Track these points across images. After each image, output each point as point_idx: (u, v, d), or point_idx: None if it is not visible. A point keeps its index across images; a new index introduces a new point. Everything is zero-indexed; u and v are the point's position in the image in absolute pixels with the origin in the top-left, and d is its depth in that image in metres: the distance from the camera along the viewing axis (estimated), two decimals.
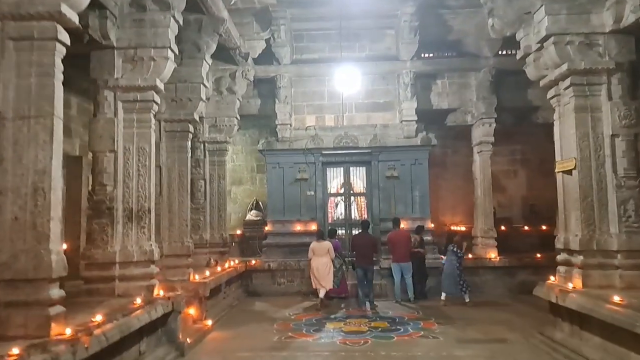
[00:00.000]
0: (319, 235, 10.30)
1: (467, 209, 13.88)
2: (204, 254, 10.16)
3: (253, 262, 11.30)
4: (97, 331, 4.21)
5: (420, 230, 10.70)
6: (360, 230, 10.39)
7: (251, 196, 14.03)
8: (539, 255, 11.22)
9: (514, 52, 8.83)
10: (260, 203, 13.64)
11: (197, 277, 7.86)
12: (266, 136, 11.91)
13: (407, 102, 11.58)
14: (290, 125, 11.83)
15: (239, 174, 14.35)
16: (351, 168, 12.02)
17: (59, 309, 4.08)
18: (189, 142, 7.89)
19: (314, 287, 10.22)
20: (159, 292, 6.08)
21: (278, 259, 11.35)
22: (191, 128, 7.91)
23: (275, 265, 11.23)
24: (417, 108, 11.65)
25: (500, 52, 11.51)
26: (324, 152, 11.68)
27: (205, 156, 10.45)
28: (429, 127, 11.98)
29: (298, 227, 11.60)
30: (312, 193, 11.74)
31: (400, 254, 10.15)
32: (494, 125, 11.54)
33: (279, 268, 11.22)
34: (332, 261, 10.02)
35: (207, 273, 8.55)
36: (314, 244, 10.16)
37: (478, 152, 11.99)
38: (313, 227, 11.61)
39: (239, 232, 13.21)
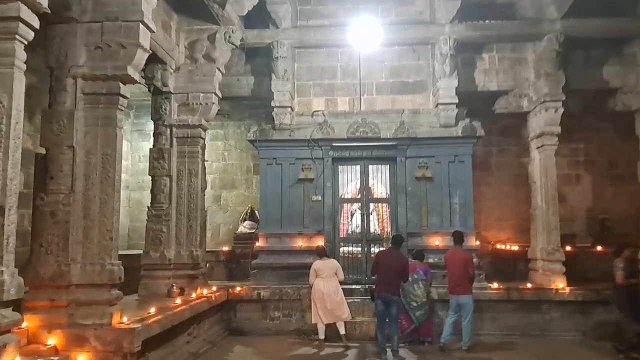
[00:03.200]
0: (321, 252, 7.65)
1: (517, 222, 11.00)
2: (166, 279, 7.43)
3: (238, 289, 8.49)
4: None
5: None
6: (390, 246, 7.54)
7: (245, 203, 11.28)
8: None
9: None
10: (256, 212, 10.84)
11: (125, 318, 5.06)
12: (260, 122, 9.14)
13: (446, 79, 8.74)
14: (292, 110, 9.09)
15: (231, 176, 11.63)
16: (370, 166, 9.19)
17: None
18: (119, 112, 5.17)
19: (313, 320, 7.48)
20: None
21: (272, 285, 8.54)
22: (124, 90, 5.21)
23: (267, 293, 8.41)
24: (458, 89, 8.80)
25: (569, 13, 8.59)
26: (335, 144, 8.89)
27: (172, 145, 7.75)
28: (471, 115, 9.11)
29: (300, 243, 8.80)
30: (319, 199, 8.95)
31: (453, 283, 7.29)
32: (561, 110, 8.62)
33: (272, 297, 8.39)
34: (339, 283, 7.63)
35: (152, 310, 5.78)
36: (318, 264, 7.56)
37: (538, 148, 9.07)
38: (320, 242, 8.80)
39: (225, 248, 10.42)
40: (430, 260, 8.68)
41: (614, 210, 10.83)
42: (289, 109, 8.91)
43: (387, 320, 7.04)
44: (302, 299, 8.17)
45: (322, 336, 7.41)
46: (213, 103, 7.86)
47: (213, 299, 7.64)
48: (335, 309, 7.38)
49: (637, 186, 10.87)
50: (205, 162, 11.26)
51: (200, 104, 7.80)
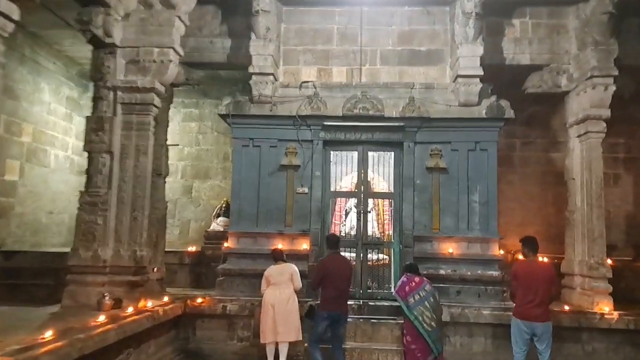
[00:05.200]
0: (277, 256, 6.00)
1: (544, 229, 9.28)
2: (99, 286, 5.68)
3: (199, 300, 6.71)
4: None
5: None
6: (331, 251, 5.82)
7: (221, 196, 9.52)
8: None
9: None
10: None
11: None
12: (234, 94, 7.37)
13: (468, 45, 6.99)
14: (275, 79, 7.34)
15: (205, 163, 9.87)
16: (370, 153, 7.41)
17: None
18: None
19: (262, 341, 5.80)
20: None
21: (241, 297, 6.77)
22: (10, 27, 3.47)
23: (235, 307, 6.63)
24: (482, 60, 7.05)
25: None
26: (327, 123, 7.13)
27: (115, 113, 6.01)
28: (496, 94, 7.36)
29: (279, 245, 7.00)
30: (306, 191, 7.18)
31: (532, 304, 5.24)
32: (612, 88, 6.84)
33: (242, 312, 6.61)
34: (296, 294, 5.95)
35: (48, 334, 4.00)
36: (270, 269, 5.94)
37: (579, 136, 7.30)
38: (304, 245, 7.05)
39: (192, 249, 8.64)
40: (442, 272, 6.96)
41: None
42: (271, 78, 7.15)
43: (332, 341, 5.65)
44: None
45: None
46: (171, 61, 6.10)
47: (160, 313, 5.86)
48: (279, 326, 5.65)
49: None
50: (176, 147, 9.64)
51: (154, 61, 6.06)
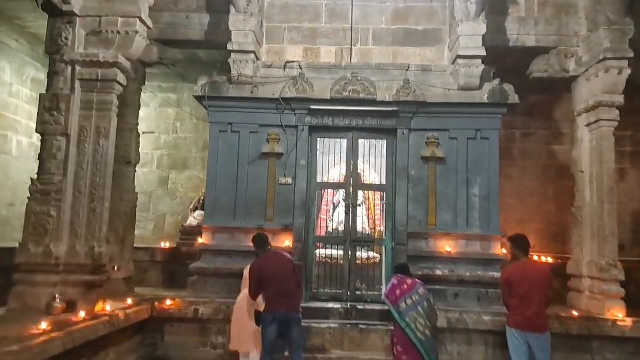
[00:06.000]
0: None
1: (544, 227, 8.77)
2: (50, 287, 4.98)
3: (168, 302, 6.01)
4: None
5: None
6: (269, 250, 5.09)
7: (200, 188, 8.80)
8: None
9: None
10: None
11: None
12: (211, 73, 6.67)
13: (469, 23, 6.35)
14: (257, 59, 6.65)
15: (183, 153, 9.16)
16: (361, 140, 6.75)
17: None
18: None
19: (231, 348, 5.14)
20: None
21: (216, 299, 6.09)
22: None
23: (208, 310, 5.94)
24: (484, 39, 6.42)
25: None
26: (313, 106, 6.46)
27: (73, 90, 5.30)
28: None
29: None
30: (290, 182, 6.51)
31: (530, 313, 4.59)
32: (627, 72, 6.24)
33: (216, 316, 5.92)
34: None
35: None
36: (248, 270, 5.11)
37: (589, 125, 6.69)
38: (287, 242, 6.37)
39: (165, 245, 7.94)
40: (439, 273, 6.33)
41: None
42: (253, 57, 6.46)
43: (284, 350, 4.85)
44: None
45: None
46: (137, 32, 5.39)
47: (121, 317, 5.16)
48: (240, 333, 4.97)
49: None
50: (152, 135, 8.93)
51: (119, 32, 5.36)
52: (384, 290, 6.25)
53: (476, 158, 6.48)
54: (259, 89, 6.46)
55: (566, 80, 7.02)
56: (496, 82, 6.46)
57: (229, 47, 6.37)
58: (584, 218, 6.72)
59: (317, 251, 6.84)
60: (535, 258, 7.45)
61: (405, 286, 4.89)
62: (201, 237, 6.60)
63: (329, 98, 6.40)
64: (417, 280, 5.07)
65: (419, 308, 4.83)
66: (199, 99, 6.59)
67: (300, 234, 6.38)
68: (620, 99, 6.29)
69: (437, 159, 6.47)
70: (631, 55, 6.16)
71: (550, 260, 7.59)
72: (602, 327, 5.98)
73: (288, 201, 6.47)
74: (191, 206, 8.53)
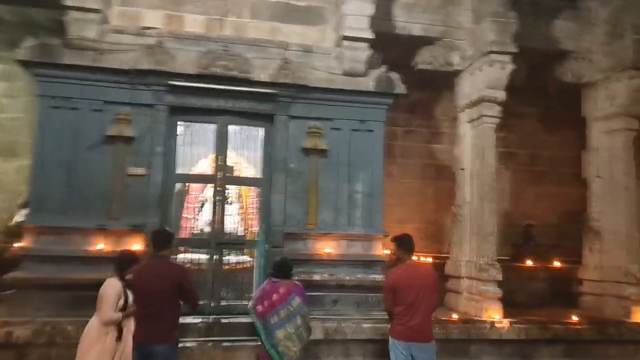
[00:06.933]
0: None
1: (423, 227, 8.60)
2: None
3: None
4: None
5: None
6: (153, 257, 3.99)
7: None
8: (575, 318, 6.03)
9: None
10: None
11: None
12: (40, 34, 5.26)
13: (354, 1, 5.74)
14: (105, 21, 5.38)
15: (11, 137, 7.41)
16: (232, 127, 5.79)
17: None
18: None
19: None
20: None
21: (38, 318, 4.74)
22: None
23: (26, 332, 4.58)
24: (372, 24, 5.87)
25: None
26: (175, 82, 5.37)
27: None
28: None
29: (100, 246, 5.13)
30: (143, 172, 5.35)
31: (416, 321, 4.03)
32: (509, 67, 6.10)
33: (37, 341, 4.59)
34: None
35: None
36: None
37: (471, 121, 6.51)
38: (137, 245, 5.20)
39: None
40: (317, 278, 5.63)
41: (536, 215, 8.79)
42: (97, 17, 5.22)
43: None
44: None
45: None
46: None
47: None
48: None
49: (561, 187, 9.08)
50: None
51: None
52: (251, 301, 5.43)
53: (360, 151, 5.90)
54: (106, 57, 5.22)
55: (449, 76, 6.80)
56: (383, 69, 5.94)
57: (63, 1, 5.04)
58: (463, 217, 6.51)
59: (182, 255, 5.76)
60: (415, 259, 7.14)
61: (276, 296, 4.04)
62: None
63: (194, 73, 5.37)
64: (296, 283, 4.24)
65: (290, 326, 4.00)
66: (24, 64, 5.16)
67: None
68: (502, 94, 6.14)
69: (319, 151, 5.77)
70: (515, 50, 6.04)
71: (430, 260, 7.34)
72: (481, 330, 5.77)
73: (140, 196, 5.31)
74: (20, 202, 6.88)
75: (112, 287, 3.88)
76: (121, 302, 3.87)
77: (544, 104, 8.89)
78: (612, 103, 6.56)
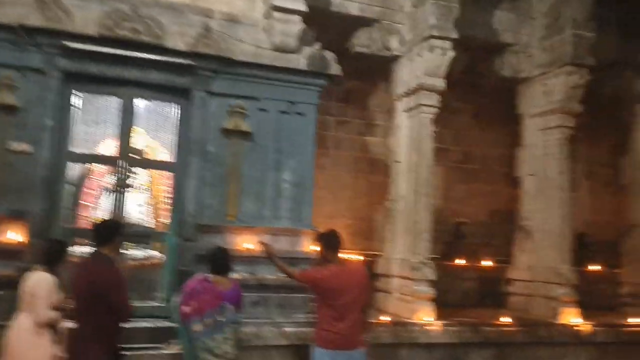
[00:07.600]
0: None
1: (354, 222, 8.14)
2: None
3: None
4: None
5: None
6: (91, 254, 3.14)
7: None
8: (509, 320, 5.79)
9: None
10: None
11: None
12: None
13: None
14: None
15: None
16: (139, 101, 5.01)
17: None
18: None
19: None
20: None
21: None
22: None
23: None
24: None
25: None
26: (71, 44, 4.51)
27: None
28: None
29: None
30: (28, 150, 4.47)
31: (344, 326, 3.47)
32: (450, 54, 5.75)
33: None
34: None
35: None
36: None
37: (408, 110, 6.13)
38: (15, 235, 4.32)
39: None
40: (236, 276, 4.94)
41: (467, 213, 8.62)
42: None
43: None
44: None
45: None
46: None
47: None
48: None
49: (493, 185, 9.00)
50: None
51: None
52: (164, 299, 4.72)
53: (289, 136, 5.32)
54: None
55: (387, 61, 6.39)
56: (316, 46, 5.39)
57: None
58: (397, 212, 6.12)
59: (77, 249, 4.90)
60: (345, 257, 6.68)
61: (207, 297, 3.40)
62: None
63: (95, 35, 4.55)
64: (234, 283, 3.61)
65: (218, 337, 3.38)
66: None
67: (41, 224, 4.40)
68: (442, 83, 5.80)
69: (242, 133, 5.12)
70: (456, 36, 5.70)
71: (360, 258, 6.91)
72: (411, 333, 5.39)
73: (24, 177, 4.43)
74: None
75: (46, 282, 3.27)
76: (56, 299, 3.29)
77: (478, 100, 8.77)
78: (549, 99, 6.42)
